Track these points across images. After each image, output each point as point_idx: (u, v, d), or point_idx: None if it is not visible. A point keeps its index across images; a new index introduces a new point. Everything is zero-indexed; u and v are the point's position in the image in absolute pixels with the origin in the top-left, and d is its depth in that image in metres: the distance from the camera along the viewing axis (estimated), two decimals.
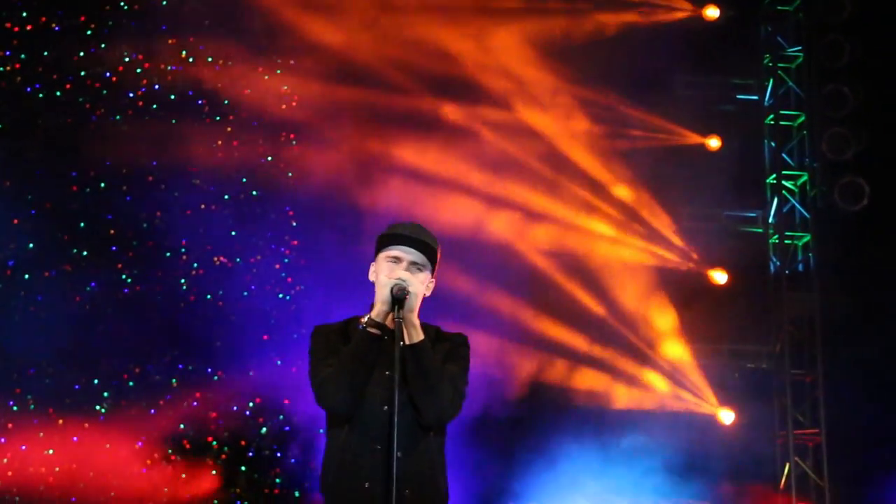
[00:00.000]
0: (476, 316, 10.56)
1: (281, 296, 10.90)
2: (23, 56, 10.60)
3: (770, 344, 12.22)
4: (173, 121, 10.71)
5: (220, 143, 10.83)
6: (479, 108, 11.50)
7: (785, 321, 12.15)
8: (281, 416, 10.75)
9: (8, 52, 10.57)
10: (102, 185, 10.66)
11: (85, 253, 10.59)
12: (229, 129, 10.92)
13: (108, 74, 10.73)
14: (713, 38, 12.09)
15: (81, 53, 10.64)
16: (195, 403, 10.60)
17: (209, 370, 10.67)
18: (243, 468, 10.78)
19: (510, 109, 11.59)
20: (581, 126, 11.76)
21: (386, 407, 4.08)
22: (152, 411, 10.51)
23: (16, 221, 10.48)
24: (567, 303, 11.50)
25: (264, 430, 10.78)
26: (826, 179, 12.14)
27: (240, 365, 10.56)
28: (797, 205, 12.46)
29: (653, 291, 11.75)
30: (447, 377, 4.18)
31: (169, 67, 10.83)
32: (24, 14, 10.64)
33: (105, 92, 10.73)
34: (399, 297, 4.06)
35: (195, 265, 10.71)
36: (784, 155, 12.50)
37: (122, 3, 10.84)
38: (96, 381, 10.50)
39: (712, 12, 12.22)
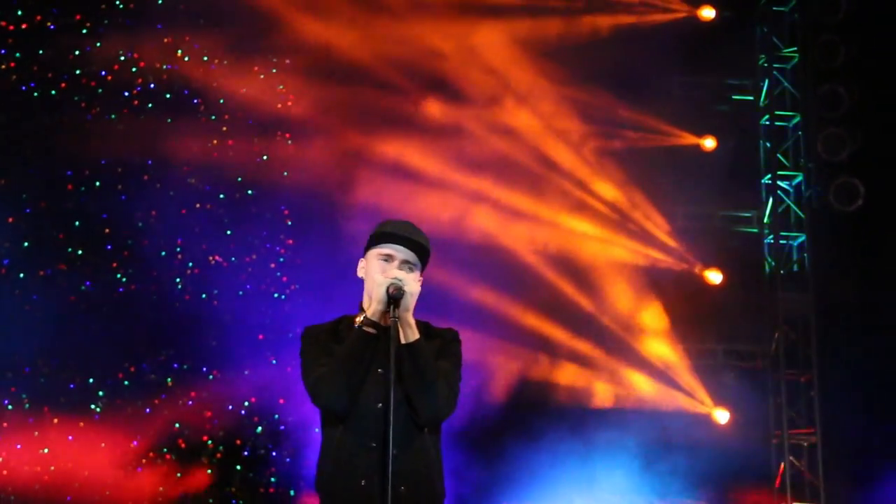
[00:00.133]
0: (477, 315, 10.62)
1: (276, 295, 10.90)
2: (18, 55, 10.59)
3: (765, 344, 12.23)
4: (168, 120, 10.71)
5: (215, 142, 10.83)
6: (473, 108, 11.51)
7: (780, 321, 12.17)
8: (276, 416, 10.75)
9: (3, 51, 10.56)
10: (97, 183, 10.66)
11: (80, 252, 10.59)
12: (224, 128, 10.93)
13: (103, 73, 10.72)
14: (708, 39, 12.09)
15: (77, 52, 10.63)
16: (190, 402, 10.60)
17: (204, 369, 10.66)
18: (238, 467, 10.78)
19: (504, 109, 11.59)
20: (575, 126, 11.77)
21: (380, 405, 4.07)
22: (147, 410, 10.51)
23: (10, 220, 10.48)
24: (559, 302, 11.50)
25: (259, 429, 10.78)
26: (821, 180, 12.15)
27: (235, 364, 10.55)
28: (792, 205, 12.47)
29: (647, 292, 11.76)
30: (442, 375, 4.17)
31: (164, 66, 10.83)
32: (20, 13, 10.63)
33: (100, 91, 10.72)
34: (396, 297, 4.05)
35: (190, 264, 10.72)
36: (779, 155, 12.52)
37: (117, 2, 10.84)
38: (91, 381, 10.49)
39: (708, 13, 12.23)
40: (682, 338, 11.84)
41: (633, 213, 11.94)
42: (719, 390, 11.89)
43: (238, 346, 10.50)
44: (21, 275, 10.42)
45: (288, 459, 10.69)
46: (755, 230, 12.52)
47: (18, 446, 10.15)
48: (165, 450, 10.54)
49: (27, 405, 10.26)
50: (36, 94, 10.64)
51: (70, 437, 10.26)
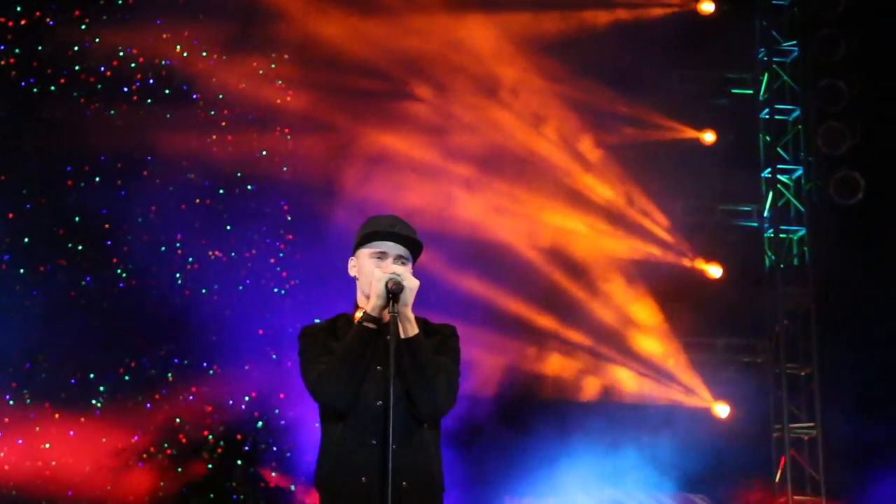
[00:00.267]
0: (477, 314, 10.64)
1: (276, 290, 10.91)
2: (17, 50, 10.61)
3: (765, 338, 12.23)
4: (167, 115, 10.72)
5: (214, 137, 10.83)
6: (475, 103, 11.51)
7: (780, 315, 12.17)
8: (276, 411, 10.76)
9: (2, 47, 10.57)
10: (97, 179, 10.67)
11: (80, 247, 10.61)
12: (224, 123, 10.93)
13: (102, 69, 10.73)
14: (708, 33, 12.08)
15: (76, 48, 10.64)
16: (191, 397, 10.62)
17: (205, 364, 10.68)
18: (239, 462, 10.79)
19: (503, 104, 11.59)
20: (574, 120, 11.77)
21: (380, 402, 4.07)
22: (148, 405, 10.53)
23: (11, 216, 10.50)
24: (558, 297, 11.51)
25: (260, 424, 10.79)
26: (821, 173, 12.14)
27: (235, 359, 10.57)
28: (792, 199, 12.46)
29: (647, 286, 11.76)
30: (441, 370, 4.17)
31: (163, 62, 10.84)
32: (19, 9, 10.64)
33: (99, 86, 10.74)
34: (395, 292, 4.04)
35: (190, 259, 10.73)
36: (779, 149, 12.51)
37: None
38: (92, 376, 10.51)
39: (707, 7, 12.23)
40: (682, 332, 11.85)
41: (633, 208, 11.95)
42: (720, 384, 11.90)
43: (238, 342, 10.52)
44: (21, 270, 10.44)
45: (288, 454, 10.71)
46: (755, 224, 12.52)
47: (20, 441, 10.17)
48: (166, 445, 10.56)
49: (28, 400, 10.28)
50: (35, 89, 10.65)
51: (71, 433, 10.28)
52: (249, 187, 10.95)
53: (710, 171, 11.85)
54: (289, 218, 10.97)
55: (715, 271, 12.09)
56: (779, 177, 12.46)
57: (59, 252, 10.52)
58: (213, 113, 10.89)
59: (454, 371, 4.24)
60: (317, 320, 4.55)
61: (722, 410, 11.79)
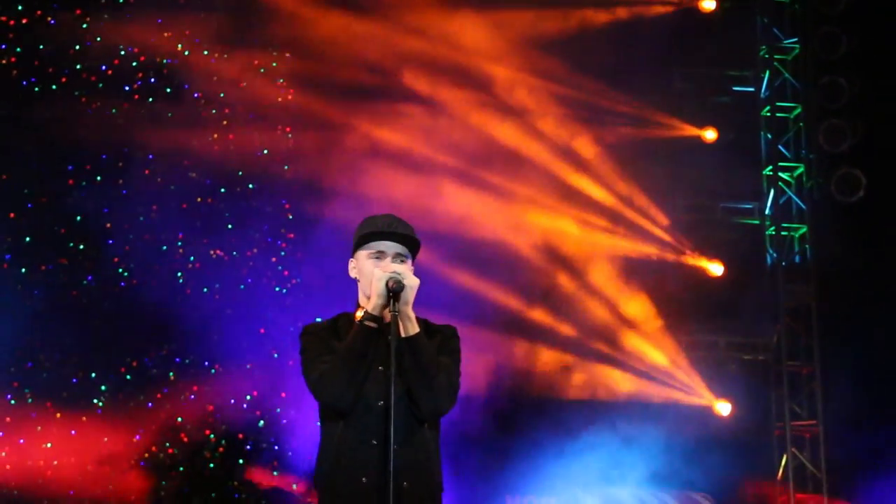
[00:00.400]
0: (482, 313, 10.67)
1: (277, 289, 10.91)
2: (18, 49, 10.60)
3: (767, 336, 12.23)
4: (169, 114, 10.71)
5: (215, 136, 10.83)
6: (476, 99, 11.51)
7: (782, 313, 12.17)
8: (278, 410, 10.75)
9: (3, 46, 10.56)
10: (99, 178, 10.67)
11: (81, 247, 10.60)
12: (225, 122, 10.93)
13: (103, 68, 10.72)
14: (709, 30, 12.10)
15: (77, 47, 10.64)
16: (192, 397, 10.61)
17: (206, 363, 10.67)
18: (241, 461, 10.79)
19: (505, 101, 11.59)
20: (575, 118, 11.76)
21: (381, 402, 4.07)
22: (150, 405, 10.52)
23: (12, 215, 10.50)
24: (559, 295, 11.52)
25: (261, 423, 10.78)
26: (822, 171, 12.15)
27: (237, 358, 10.57)
28: (794, 196, 12.46)
29: (648, 284, 11.76)
30: (443, 370, 4.17)
31: (164, 61, 10.84)
32: (20, 7, 10.63)
33: (101, 85, 10.73)
34: (396, 290, 4.04)
35: (191, 258, 10.72)
36: (780, 146, 12.51)
37: None
38: (94, 375, 10.51)
39: (708, 4, 12.23)
40: (683, 330, 11.85)
41: (634, 205, 11.94)
42: (721, 382, 11.90)
43: (240, 341, 10.52)
44: (23, 269, 10.44)
45: (290, 453, 10.70)
46: (756, 222, 12.52)
47: (21, 441, 10.17)
48: (168, 444, 10.56)
49: (30, 400, 10.28)
50: (37, 88, 10.65)
51: (73, 432, 10.28)
52: (251, 186, 10.95)
53: (712, 168, 11.86)
54: (290, 217, 10.96)
55: (716, 269, 12.09)
56: (780, 174, 12.46)
57: (61, 251, 10.52)
58: (214, 111, 10.88)
59: (455, 371, 4.24)
60: (318, 319, 4.55)
61: (723, 408, 11.79)
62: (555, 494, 10.94)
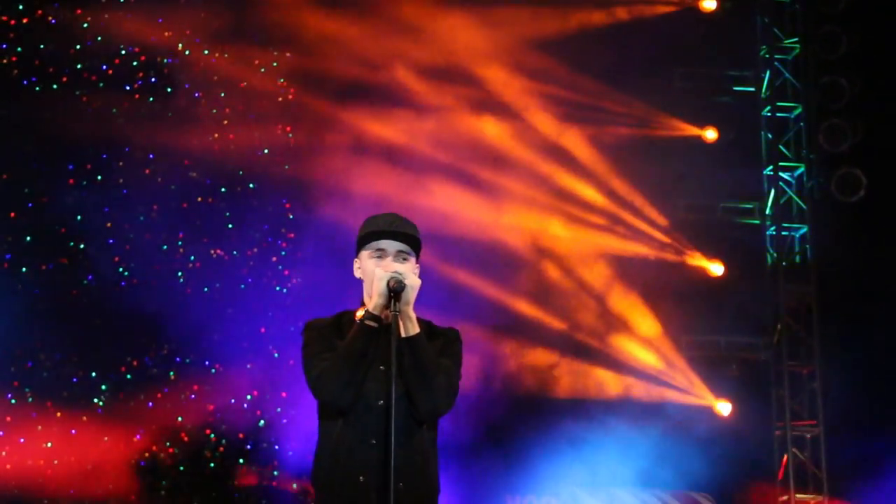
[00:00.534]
0: (484, 314, 10.68)
1: (278, 288, 10.91)
2: (19, 49, 10.61)
3: (767, 335, 12.22)
4: (169, 114, 10.73)
5: (216, 135, 10.83)
6: (476, 99, 11.52)
7: (782, 312, 12.16)
8: (278, 409, 10.75)
9: (4, 46, 10.57)
10: (99, 178, 10.67)
11: (82, 246, 10.60)
12: (225, 121, 10.93)
13: (104, 67, 10.73)
14: (710, 30, 12.10)
15: (77, 46, 10.65)
16: (193, 396, 10.61)
17: (207, 363, 10.67)
18: (241, 461, 10.79)
19: (507, 101, 11.60)
20: (575, 117, 11.77)
21: (381, 401, 4.06)
22: (150, 404, 10.52)
23: (13, 215, 10.50)
24: (559, 295, 11.52)
25: (262, 422, 10.78)
26: (823, 171, 12.14)
27: (237, 358, 10.57)
28: (794, 196, 12.46)
29: (649, 284, 11.76)
30: (443, 371, 4.16)
31: (165, 60, 10.85)
32: (21, 7, 10.64)
33: (101, 85, 10.74)
34: (396, 290, 4.03)
35: (192, 258, 10.73)
36: (781, 146, 12.50)
37: None
38: (94, 374, 10.52)
39: (709, 4, 12.22)
40: (683, 330, 11.84)
41: (634, 205, 11.94)
42: (721, 382, 11.89)
43: (240, 340, 10.52)
44: (23, 269, 10.45)
45: (290, 453, 10.70)
46: (757, 221, 12.51)
47: (21, 440, 10.17)
48: (168, 443, 10.56)
49: (30, 399, 10.28)
50: (37, 88, 10.65)
51: (73, 431, 10.28)
52: (251, 186, 10.95)
53: (712, 168, 11.86)
54: (290, 216, 10.97)
55: (717, 269, 12.10)
56: (780, 174, 12.45)
57: (61, 251, 10.52)
58: (214, 111, 10.89)
59: (455, 373, 4.23)
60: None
61: (724, 408, 11.79)
62: (555, 494, 10.93)
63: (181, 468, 10.60)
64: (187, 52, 10.90)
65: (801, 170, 12.47)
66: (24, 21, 10.62)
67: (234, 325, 10.51)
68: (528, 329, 11.40)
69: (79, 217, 10.58)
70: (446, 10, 11.29)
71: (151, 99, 10.82)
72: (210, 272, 10.70)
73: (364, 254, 4.27)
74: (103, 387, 10.51)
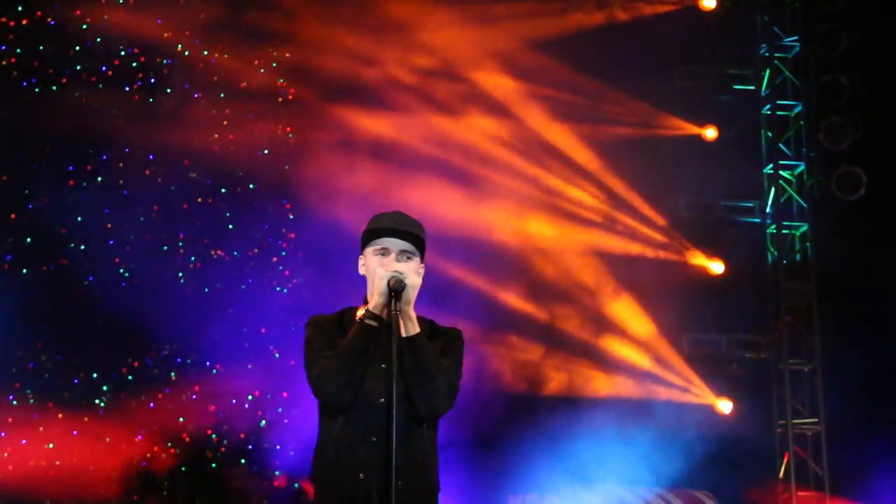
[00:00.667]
0: (489, 316, 10.68)
1: (279, 289, 10.91)
2: (19, 50, 10.60)
3: (768, 334, 12.22)
4: (169, 114, 10.72)
5: (216, 136, 10.83)
6: (476, 97, 11.52)
7: (783, 311, 12.16)
8: (280, 409, 10.76)
9: (4, 47, 10.57)
10: (99, 178, 10.67)
11: (82, 247, 10.60)
12: (226, 122, 10.93)
13: (104, 68, 10.73)
14: (709, 28, 12.09)
15: (77, 48, 10.65)
16: (194, 397, 10.62)
17: (208, 363, 10.68)
18: (242, 461, 10.79)
19: (505, 99, 11.60)
20: (576, 116, 11.77)
21: (382, 399, 4.07)
22: (151, 405, 10.53)
23: (13, 216, 10.50)
24: (563, 294, 11.52)
25: (263, 422, 10.79)
26: (823, 169, 12.14)
27: (238, 358, 10.57)
28: (794, 195, 12.46)
29: (649, 282, 11.76)
30: (442, 371, 4.17)
31: (165, 61, 10.85)
32: (20, 8, 10.64)
33: (101, 86, 10.73)
34: (397, 290, 4.03)
35: (193, 259, 10.73)
36: (781, 145, 12.50)
37: None
38: (95, 375, 10.52)
39: (709, 2, 12.21)
40: (684, 328, 11.84)
41: (634, 204, 11.94)
42: (722, 381, 11.90)
43: (241, 340, 10.53)
44: (24, 270, 10.45)
45: (292, 452, 10.70)
46: (757, 220, 12.51)
47: (23, 442, 10.18)
48: (169, 444, 10.56)
49: (31, 401, 10.29)
50: (37, 90, 10.65)
51: (74, 432, 10.29)
52: (251, 186, 10.95)
53: (712, 167, 11.86)
54: (291, 216, 10.97)
55: (717, 267, 12.09)
56: (781, 172, 12.45)
57: (62, 252, 10.52)
58: (214, 112, 10.89)
59: (455, 373, 4.24)
60: None
61: (725, 407, 11.79)
62: (557, 493, 10.93)
63: (182, 468, 10.60)
64: (187, 53, 10.90)
65: (802, 168, 12.47)
66: (24, 22, 10.62)
67: (235, 326, 10.51)
68: (527, 329, 11.40)
69: (79, 218, 10.57)
70: (446, 10, 11.29)
71: (151, 99, 10.82)
72: (210, 273, 10.70)
73: (368, 251, 4.27)
74: (104, 388, 10.52)
